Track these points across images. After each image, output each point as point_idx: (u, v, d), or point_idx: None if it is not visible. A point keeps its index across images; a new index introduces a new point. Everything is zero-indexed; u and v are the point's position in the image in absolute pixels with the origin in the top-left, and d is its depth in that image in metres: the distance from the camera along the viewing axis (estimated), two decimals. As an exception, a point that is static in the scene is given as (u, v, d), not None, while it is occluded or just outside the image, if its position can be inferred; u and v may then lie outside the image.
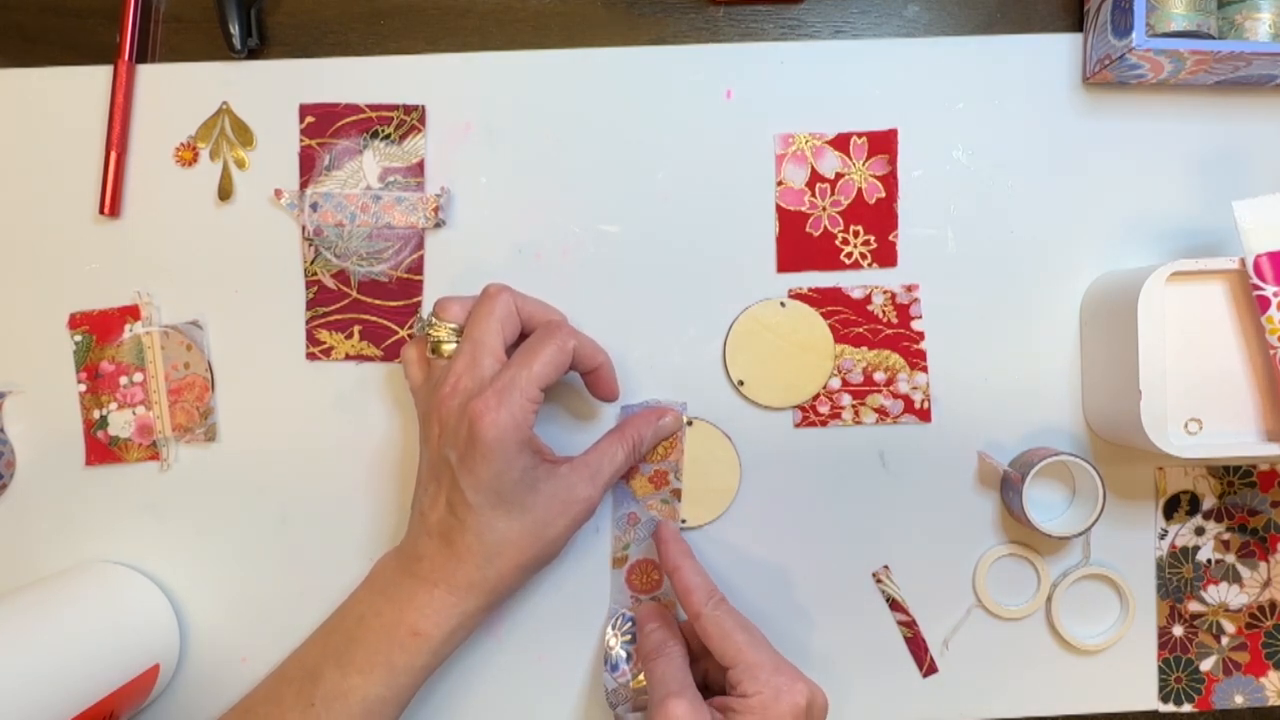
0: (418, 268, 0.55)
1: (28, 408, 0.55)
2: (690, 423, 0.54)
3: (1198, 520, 0.55)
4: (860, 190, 0.55)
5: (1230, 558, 0.55)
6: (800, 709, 0.45)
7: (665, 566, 0.51)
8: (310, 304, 0.55)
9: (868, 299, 0.55)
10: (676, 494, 0.54)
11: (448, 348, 0.49)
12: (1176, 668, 0.56)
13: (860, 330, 0.55)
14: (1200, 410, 0.49)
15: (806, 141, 0.55)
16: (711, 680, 0.51)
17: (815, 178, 0.55)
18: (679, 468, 0.54)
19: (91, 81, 0.54)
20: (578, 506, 0.49)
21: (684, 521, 0.55)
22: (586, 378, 0.52)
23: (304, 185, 0.55)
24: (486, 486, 0.46)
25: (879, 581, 0.55)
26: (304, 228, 0.55)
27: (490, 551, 0.47)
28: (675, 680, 0.47)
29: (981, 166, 0.55)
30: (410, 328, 0.54)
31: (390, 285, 0.55)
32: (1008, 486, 0.53)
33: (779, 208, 0.55)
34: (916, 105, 0.55)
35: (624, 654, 0.54)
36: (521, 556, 0.48)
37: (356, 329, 0.55)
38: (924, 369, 0.55)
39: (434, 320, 0.49)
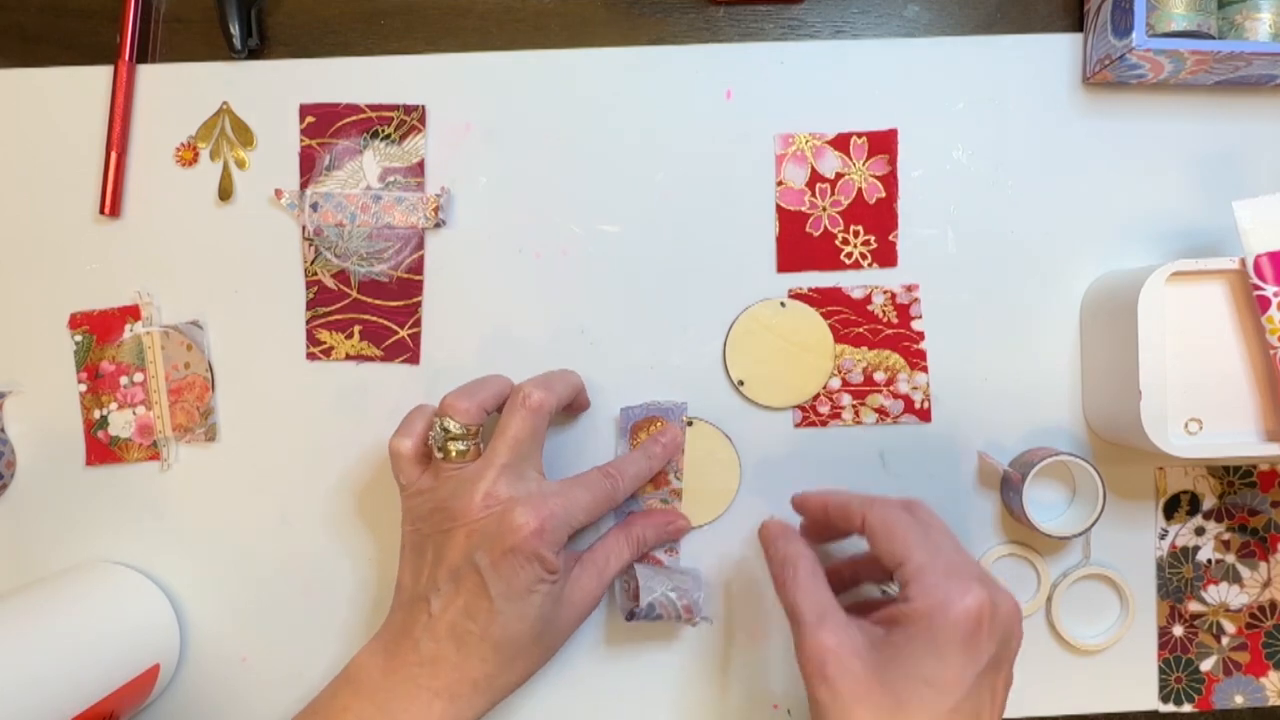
0: (418, 268, 0.55)
1: (28, 408, 0.55)
2: (690, 423, 0.54)
3: (1198, 520, 0.55)
4: (860, 190, 0.55)
5: (1230, 558, 0.55)
6: (974, 617, 0.39)
7: (812, 508, 0.48)
8: (310, 304, 0.55)
9: (868, 299, 0.55)
10: (676, 494, 0.54)
11: (457, 447, 0.47)
12: (1176, 668, 0.55)
13: (860, 330, 0.55)
14: (1200, 410, 0.49)
15: (806, 141, 0.55)
16: (866, 576, 0.50)
17: (815, 178, 0.55)
18: (679, 468, 0.54)
19: (92, 81, 0.54)
20: (589, 608, 0.50)
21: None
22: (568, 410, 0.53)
23: (304, 185, 0.55)
24: (518, 598, 0.45)
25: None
26: (304, 228, 0.55)
27: (505, 659, 0.46)
28: (813, 602, 0.42)
29: (981, 166, 0.55)
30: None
31: (390, 285, 0.55)
32: (1008, 486, 0.53)
33: (779, 208, 0.55)
34: (916, 105, 0.55)
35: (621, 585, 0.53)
36: (534, 664, 0.48)
37: (357, 329, 0.55)
38: (924, 369, 0.55)
39: (447, 428, 0.47)
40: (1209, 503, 0.55)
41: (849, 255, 0.55)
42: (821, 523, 0.48)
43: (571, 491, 0.48)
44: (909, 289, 0.55)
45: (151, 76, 0.55)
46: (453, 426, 0.47)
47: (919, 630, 0.39)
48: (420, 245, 0.55)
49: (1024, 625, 0.54)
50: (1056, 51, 0.55)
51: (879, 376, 0.55)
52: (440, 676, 0.45)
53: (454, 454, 0.47)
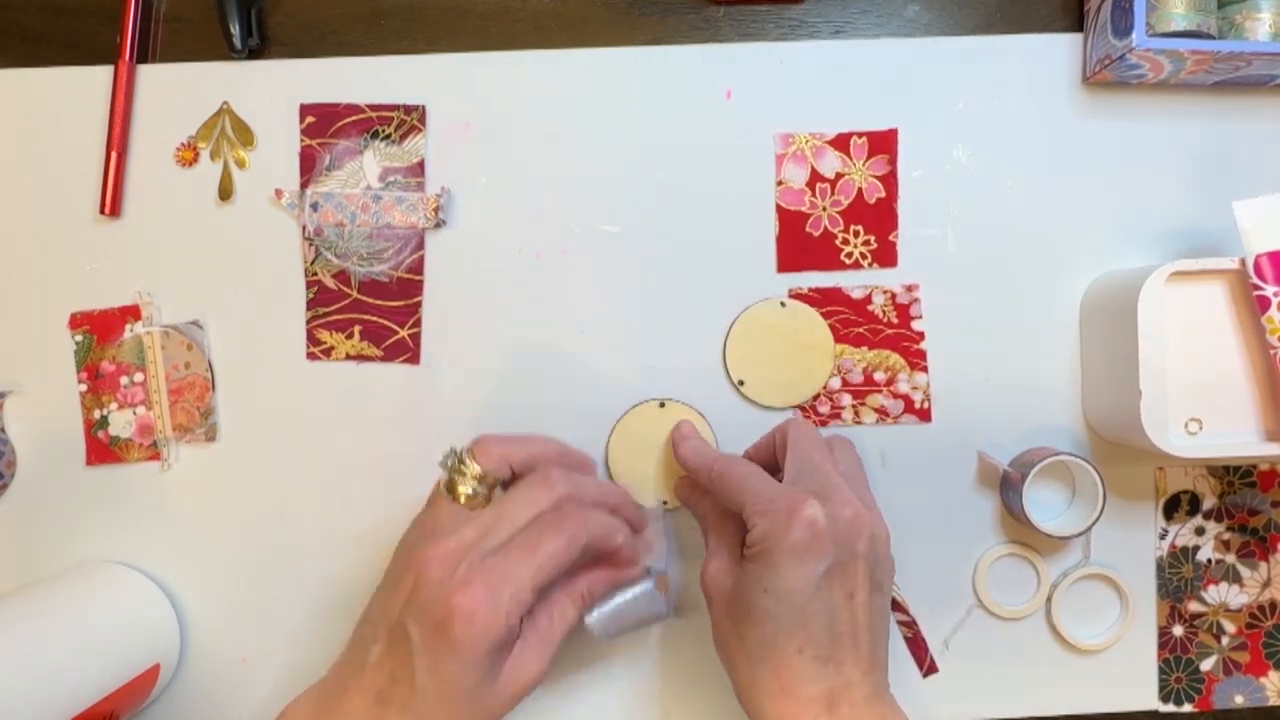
0: (418, 268, 0.55)
1: (28, 408, 0.55)
2: (663, 404, 0.54)
3: (1198, 520, 0.55)
4: (860, 190, 0.55)
5: (1230, 557, 0.55)
6: (803, 525, 0.43)
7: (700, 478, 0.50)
8: (311, 304, 0.55)
9: (868, 299, 0.55)
10: (663, 583, 0.50)
11: (464, 490, 0.45)
12: (1176, 668, 0.55)
13: (860, 330, 0.55)
14: (1200, 410, 0.49)
15: (806, 141, 0.55)
16: None
17: (815, 177, 0.55)
18: (664, 557, 0.52)
19: (92, 81, 0.54)
20: (527, 685, 0.43)
21: (664, 503, 0.54)
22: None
23: (304, 185, 0.55)
24: (444, 677, 0.40)
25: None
26: (304, 228, 0.55)
27: None
28: (716, 535, 0.48)
29: (981, 166, 0.55)
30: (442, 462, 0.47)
31: (390, 285, 0.55)
32: (1008, 486, 0.53)
33: (779, 208, 0.55)
34: (916, 105, 0.55)
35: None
36: None
37: (357, 329, 0.55)
38: (924, 369, 0.55)
39: (466, 461, 0.45)
40: (1209, 503, 0.55)
41: (849, 255, 0.55)
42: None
43: (528, 542, 0.42)
44: (909, 289, 0.55)
45: (151, 76, 0.55)
46: (470, 465, 0.45)
47: (760, 550, 0.43)
48: (420, 245, 0.55)
49: (1024, 625, 0.55)
50: (1056, 51, 0.55)
51: (879, 376, 0.55)
52: None
53: (460, 495, 0.45)
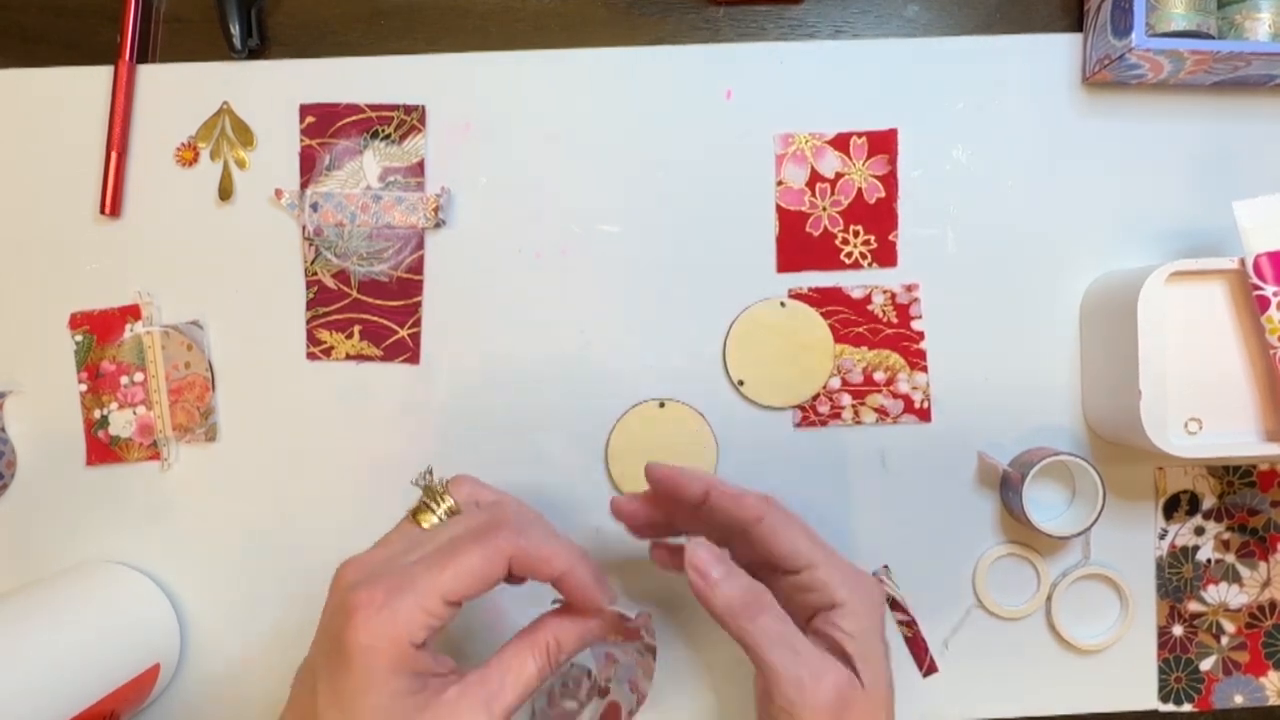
0: (418, 268, 0.55)
1: (28, 408, 0.55)
2: (663, 404, 0.54)
3: (1198, 520, 0.55)
4: (860, 190, 0.55)
5: (1230, 557, 0.55)
6: (885, 599, 0.44)
7: (693, 492, 0.44)
8: (310, 304, 0.55)
9: (868, 299, 0.55)
10: (651, 650, 0.47)
11: (428, 520, 0.41)
12: (1176, 667, 0.56)
13: (860, 330, 0.55)
14: (1200, 410, 0.49)
15: (806, 141, 0.55)
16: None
17: (815, 178, 0.55)
18: (651, 629, 0.47)
19: (92, 81, 0.54)
20: None
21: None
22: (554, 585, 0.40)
23: (304, 185, 0.55)
24: (345, 705, 0.35)
25: (879, 581, 0.55)
26: (304, 228, 0.55)
27: None
28: (805, 644, 0.40)
29: (981, 166, 0.55)
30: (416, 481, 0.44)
31: (390, 285, 0.55)
32: (1008, 486, 0.53)
33: (779, 208, 0.55)
34: (916, 105, 0.55)
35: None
36: None
37: (357, 329, 0.55)
38: (924, 369, 0.55)
39: (437, 489, 0.42)
40: (1209, 502, 0.55)
41: (849, 255, 0.55)
42: (678, 497, 0.44)
43: (440, 555, 0.37)
44: (909, 289, 0.55)
45: (151, 76, 0.55)
46: (444, 498, 0.41)
47: (865, 636, 0.41)
48: (420, 245, 0.55)
49: (1024, 625, 0.55)
50: (1056, 51, 0.55)
51: (879, 376, 0.55)
52: None
53: (422, 522, 0.41)
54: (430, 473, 0.43)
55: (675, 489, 0.44)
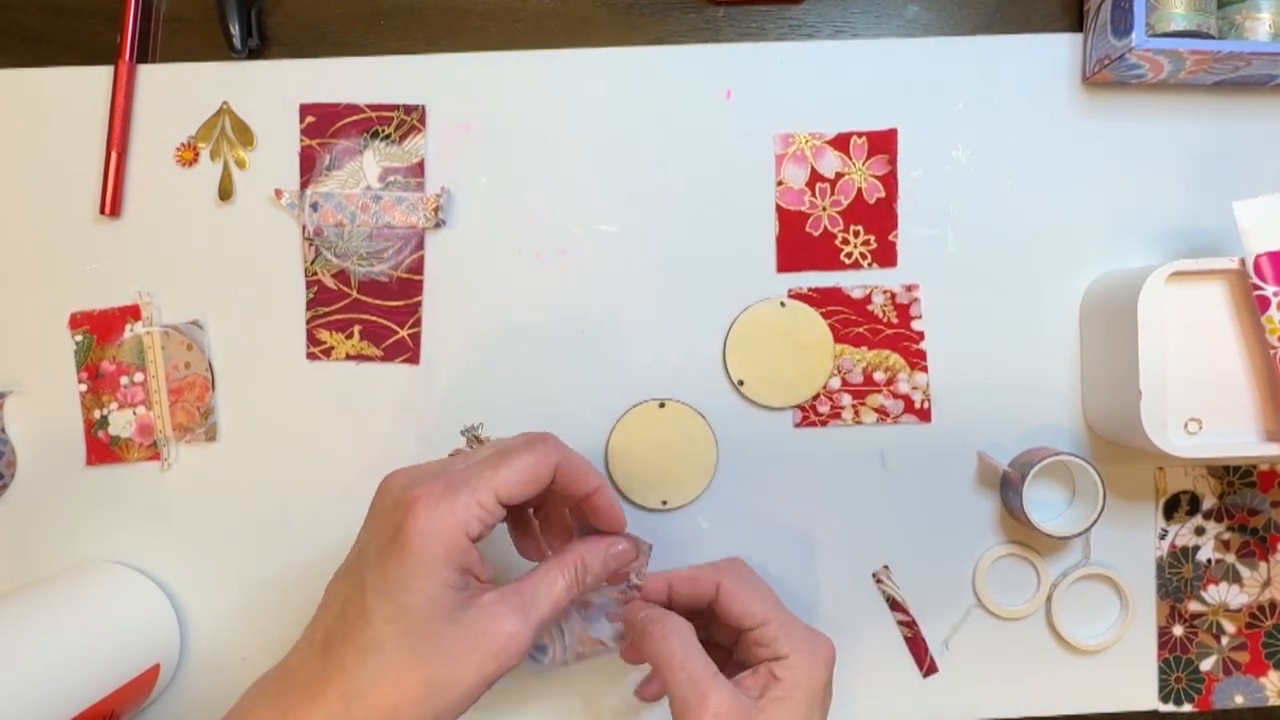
0: (418, 268, 0.55)
1: (28, 408, 0.55)
2: (663, 404, 0.54)
3: (1198, 520, 0.55)
4: (860, 190, 0.55)
5: (1230, 557, 0.55)
6: (831, 664, 0.44)
7: (653, 591, 0.47)
8: (310, 304, 0.55)
9: (868, 299, 0.55)
10: (637, 589, 0.48)
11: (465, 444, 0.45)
12: (1176, 667, 0.55)
13: (860, 330, 0.55)
14: (1200, 410, 0.49)
15: (806, 141, 0.55)
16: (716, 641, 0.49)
17: (815, 178, 0.55)
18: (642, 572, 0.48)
19: (92, 81, 0.54)
20: (499, 643, 0.37)
21: (665, 503, 0.54)
22: (580, 505, 0.44)
23: (304, 185, 0.55)
24: (394, 589, 0.36)
25: (879, 581, 0.55)
26: (304, 228, 0.55)
27: (366, 680, 0.36)
28: (699, 667, 0.41)
29: (981, 166, 0.55)
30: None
31: (390, 285, 0.55)
32: (1008, 486, 0.53)
33: (779, 208, 0.55)
34: (916, 105, 0.55)
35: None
36: (405, 699, 0.36)
37: (357, 329, 0.55)
38: (924, 369, 0.55)
39: (481, 437, 0.46)
40: (1209, 503, 0.55)
41: (849, 255, 0.55)
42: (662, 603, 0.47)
43: (493, 458, 0.40)
44: (909, 289, 0.55)
45: (151, 76, 0.55)
46: (481, 431, 0.46)
47: (793, 686, 0.42)
48: (420, 245, 0.55)
49: (1024, 625, 0.55)
50: (1056, 51, 0.55)
51: (879, 376, 0.55)
52: (293, 695, 0.37)
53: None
54: (480, 426, 0.45)
55: (672, 597, 0.47)
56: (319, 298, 0.55)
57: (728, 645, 0.48)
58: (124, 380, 0.55)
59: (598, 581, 0.44)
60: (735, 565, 0.48)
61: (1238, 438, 0.49)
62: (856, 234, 0.55)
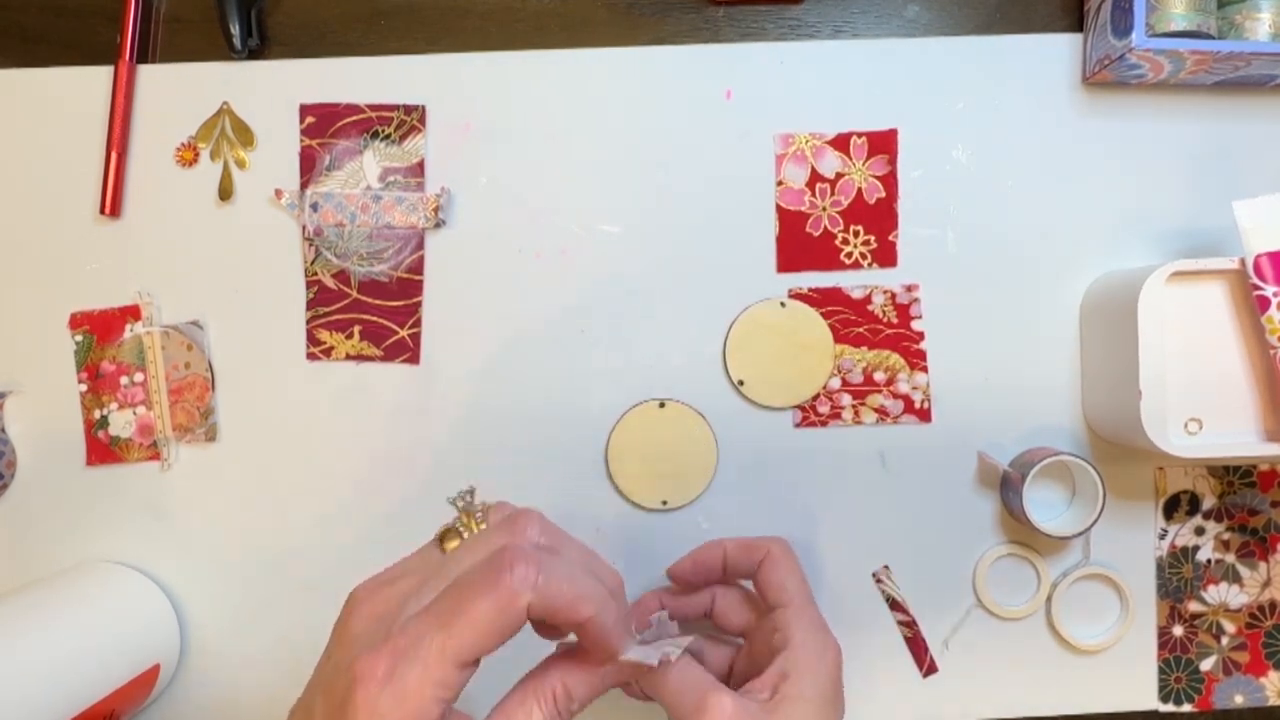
0: (418, 268, 0.55)
1: (28, 408, 0.55)
2: (663, 404, 0.54)
3: (1198, 520, 0.55)
4: (860, 190, 0.55)
5: (1230, 557, 0.55)
6: (838, 663, 0.44)
7: (713, 560, 0.49)
8: (310, 304, 0.55)
9: (868, 299, 0.55)
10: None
11: (453, 546, 0.37)
12: (1176, 668, 0.56)
13: (860, 330, 0.55)
14: (1200, 410, 0.49)
15: (806, 141, 0.55)
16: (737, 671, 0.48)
17: (815, 178, 0.55)
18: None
19: (92, 81, 0.54)
20: None
21: (665, 503, 0.54)
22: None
23: (304, 185, 0.55)
24: None
25: (879, 581, 0.55)
26: (304, 228, 0.55)
27: None
28: (696, 675, 0.39)
29: (981, 166, 0.55)
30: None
31: (390, 285, 0.55)
32: (1008, 486, 0.53)
33: (779, 208, 0.55)
34: (916, 105, 0.55)
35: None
36: None
37: (357, 329, 0.55)
38: (924, 369, 0.55)
39: (475, 511, 0.38)
40: (1209, 503, 0.55)
41: (849, 255, 0.55)
42: (706, 570, 0.49)
43: (445, 606, 0.33)
44: (909, 289, 0.55)
45: (151, 76, 0.55)
46: (477, 524, 0.37)
47: (801, 682, 0.41)
48: (420, 245, 0.55)
49: (1024, 625, 0.55)
50: (1056, 51, 0.55)
51: (879, 376, 0.55)
52: None
53: (446, 548, 0.37)
54: (472, 494, 0.39)
55: (697, 571, 0.49)
56: (319, 298, 0.55)
57: (741, 629, 0.48)
58: (124, 380, 0.55)
59: (584, 707, 0.37)
60: (785, 541, 0.49)
61: (1238, 438, 0.49)
62: (856, 234, 0.55)
